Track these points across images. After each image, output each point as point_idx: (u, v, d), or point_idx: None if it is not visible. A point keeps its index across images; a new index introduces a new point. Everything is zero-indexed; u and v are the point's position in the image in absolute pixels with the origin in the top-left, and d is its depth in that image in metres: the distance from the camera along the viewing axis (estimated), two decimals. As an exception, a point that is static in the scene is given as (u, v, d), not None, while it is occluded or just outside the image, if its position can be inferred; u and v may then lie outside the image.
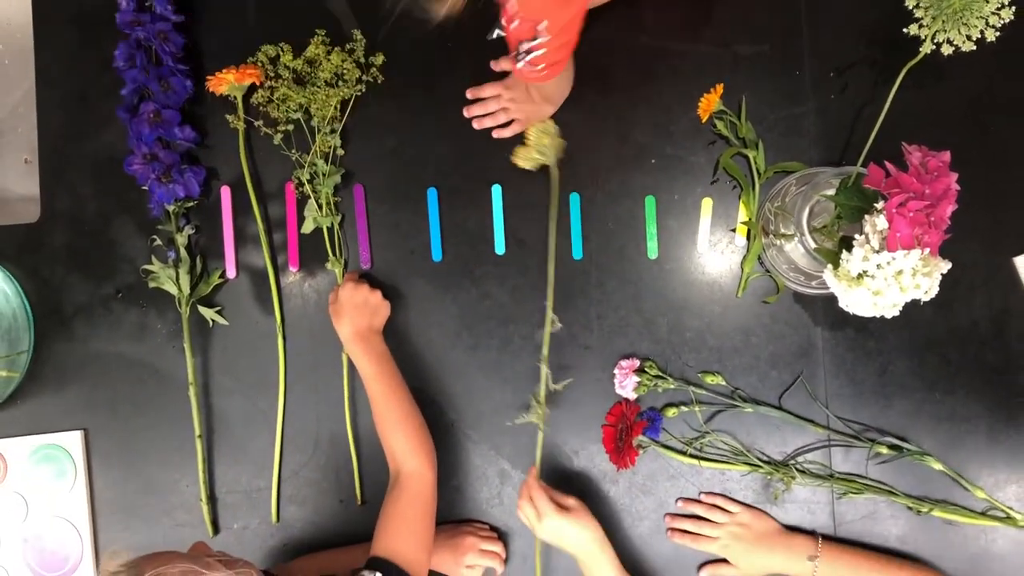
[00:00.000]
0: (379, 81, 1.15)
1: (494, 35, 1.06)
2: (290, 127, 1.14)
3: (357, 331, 1.07)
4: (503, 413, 1.14)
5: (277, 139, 1.13)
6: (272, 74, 1.14)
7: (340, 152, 1.15)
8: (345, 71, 1.13)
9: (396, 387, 1.06)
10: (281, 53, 1.12)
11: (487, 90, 1.14)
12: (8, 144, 1.31)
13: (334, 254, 1.15)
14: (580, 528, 1.01)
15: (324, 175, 1.13)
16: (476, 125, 1.15)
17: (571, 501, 1.03)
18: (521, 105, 1.13)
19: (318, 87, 1.12)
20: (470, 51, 1.16)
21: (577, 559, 1.03)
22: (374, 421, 1.06)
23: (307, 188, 1.14)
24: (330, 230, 1.15)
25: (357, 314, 1.08)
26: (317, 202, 1.14)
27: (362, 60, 1.14)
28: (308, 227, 1.15)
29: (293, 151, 1.14)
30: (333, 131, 1.14)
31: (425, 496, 1.01)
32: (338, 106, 1.13)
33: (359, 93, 1.14)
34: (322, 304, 1.15)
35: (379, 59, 1.14)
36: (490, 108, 1.14)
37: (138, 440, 1.16)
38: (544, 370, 1.04)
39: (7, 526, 1.15)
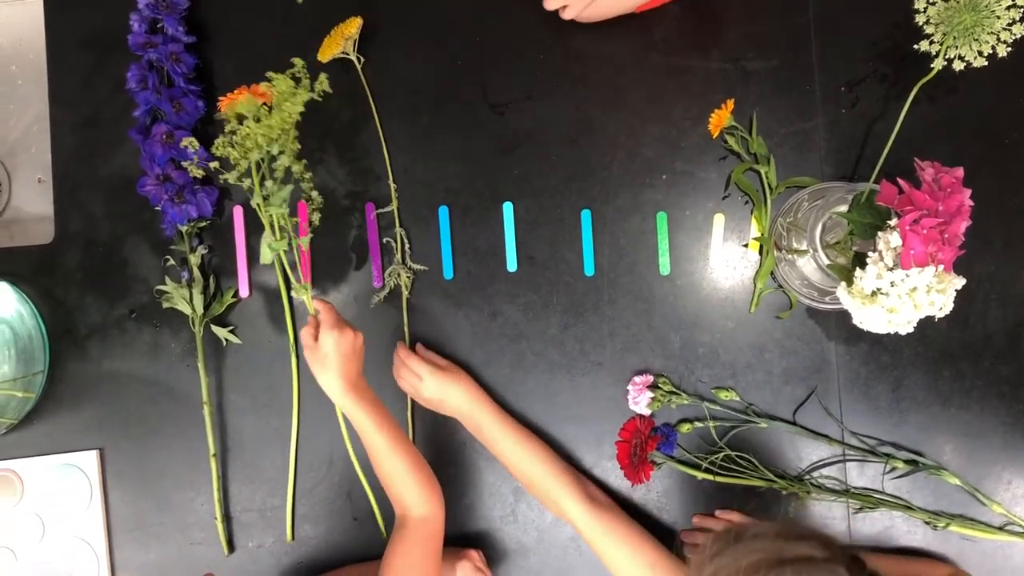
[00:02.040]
0: (320, 98, 1.04)
1: None
2: (243, 166, 1.00)
3: (349, 382, 0.97)
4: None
5: (233, 179, 0.98)
6: (232, 118, 1.02)
7: (298, 170, 1.03)
8: (292, 97, 1.00)
9: (398, 434, 1.00)
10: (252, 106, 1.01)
11: None
12: (22, 164, 1.32)
13: (296, 280, 1.05)
14: (458, 385, 1.09)
15: (272, 194, 1.01)
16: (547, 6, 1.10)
17: (444, 362, 1.12)
18: None
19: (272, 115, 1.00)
20: (480, 69, 1.16)
21: (461, 417, 1.10)
22: (376, 472, 1.01)
23: (261, 213, 1.02)
24: (288, 254, 1.05)
25: (347, 363, 0.97)
26: (271, 227, 1.02)
27: (305, 79, 1.02)
28: (266, 257, 1.04)
29: (246, 180, 1.01)
30: (282, 152, 1.01)
31: (436, 538, 1.00)
32: (287, 128, 1.01)
33: (302, 112, 1.01)
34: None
35: (323, 83, 1.02)
36: None
37: (153, 459, 1.16)
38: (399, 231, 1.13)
39: (24, 546, 1.15)
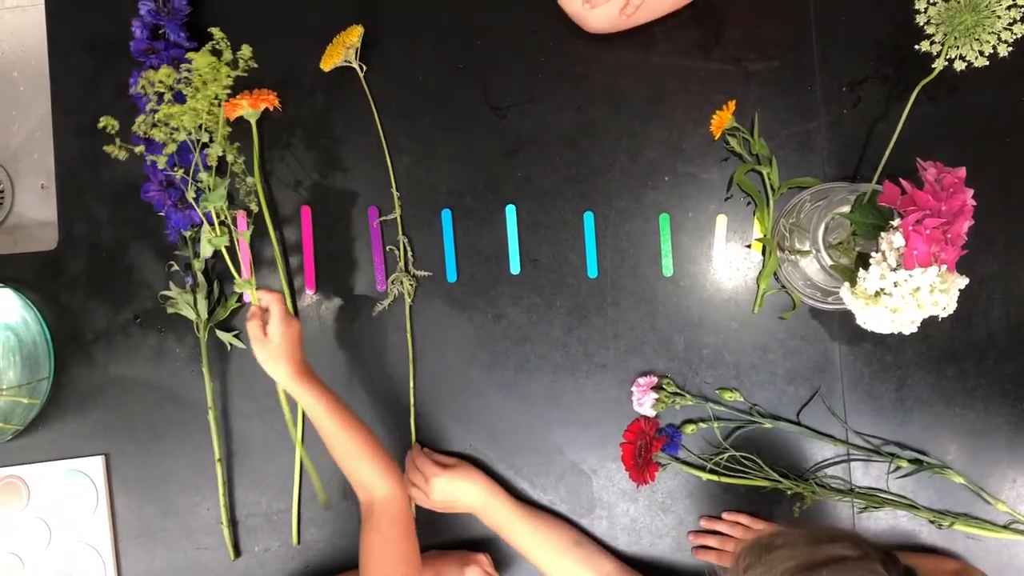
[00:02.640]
0: (247, 70, 1.03)
1: None
2: (172, 148, 1.03)
3: (299, 370, 1.00)
4: (521, 432, 1.14)
5: (162, 162, 1.02)
6: (153, 95, 1.04)
7: (232, 158, 1.05)
8: (215, 74, 1.01)
9: (348, 415, 1.01)
10: (168, 75, 1.02)
11: None
12: (25, 169, 1.33)
13: (238, 274, 1.05)
14: (469, 481, 1.08)
15: (209, 188, 1.02)
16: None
17: (452, 460, 1.11)
18: None
19: (189, 98, 1.01)
20: (481, 72, 1.17)
21: (476, 513, 1.09)
22: (333, 456, 1.02)
23: (196, 206, 1.04)
24: (230, 249, 1.06)
25: (296, 349, 1.00)
26: (208, 221, 1.04)
27: (229, 56, 1.03)
28: (206, 250, 1.06)
29: (177, 169, 1.04)
30: (212, 140, 1.02)
31: (405, 515, 1.00)
32: (216, 111, 1.02)
33: (228, 91, 1.03)
34: (339, 325, 1.16)
35: (247, 52, 1.02)
36: None
37: (158, 464, 1.16)
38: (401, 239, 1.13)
39: (31, 551, 1.16)
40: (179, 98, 1.04)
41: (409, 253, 1.16)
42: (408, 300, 1.15)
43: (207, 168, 1.03)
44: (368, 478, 1.00)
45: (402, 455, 1.14)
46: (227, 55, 1.02)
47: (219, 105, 1.03)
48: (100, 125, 1.01)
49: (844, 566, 0.71)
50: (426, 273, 1.16)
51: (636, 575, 1.08)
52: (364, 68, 1.15)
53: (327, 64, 1.14)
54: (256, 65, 1.03)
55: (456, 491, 1.08)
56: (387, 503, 1.00)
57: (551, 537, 1.08)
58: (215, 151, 1.03)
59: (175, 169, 1.05)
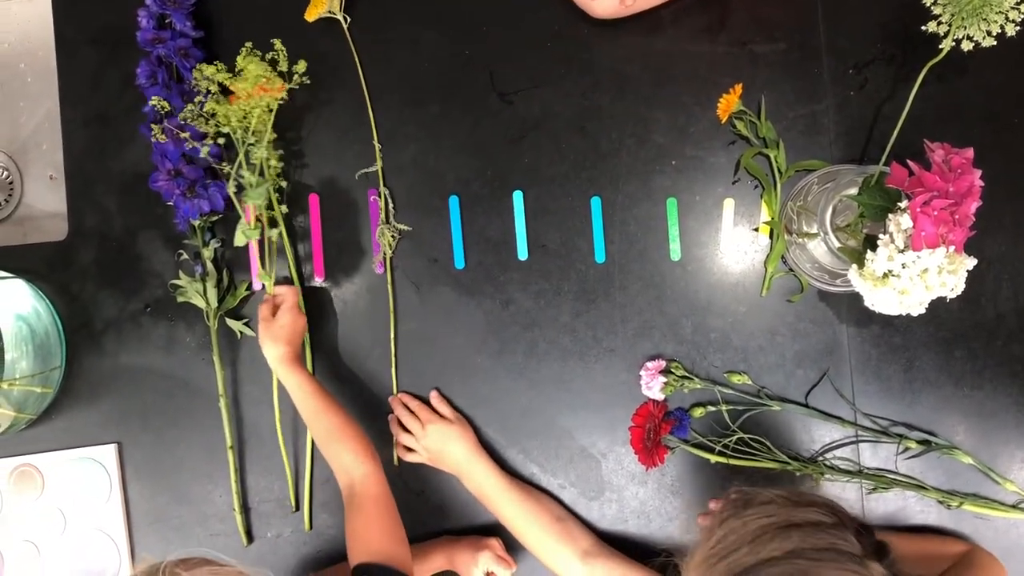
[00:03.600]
0: (301, 85, 1.11)
1: None
2: (220, 140, 1.10)
3: (292, 354, 1.08)
4: (530, 417, 1.15)
5: (204, 152, 1.09)
6: (204, 90, 1.09)
7: (274, 164, 1.12)
8: (266, 81, 1.08)
9: (329, 400, 1.06)
10: (217, 70, 1.08)
11: None
12: (34, 161, 1.33)
13: (263, 267, 1.13)
14: (462, 437, 1.12)
15: (251, 186, 1.09)
16: None
17: (453, 413, 1.15)
18: None
19: (239, 99, 1.08)
20: (488, 58, 1.17)
21: (460, 474, 1.12)
22: (314, 438, 1.10)
23: (235, 201, 1.11)
24: (261, 243, 1.13)
25: (295, 338, 1.09)
26: (243, 211, 1.11)
27: (284, 69, 1.10)
28: (239, 239, 1.11)
29: (224, 164, 1.12)
30: (258, 142, 1.09)
31: (385, 493, 1.01)
32: (265, 117, 1.09)
33: (282, 101, 1.10)
34: (349, 313, 1.17)
35: (301, 67, 1.10)
36: None
37: (171, 452, 1.17)
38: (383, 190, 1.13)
39: (46, 539, 1.17)
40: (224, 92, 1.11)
41: (391, 205, 1.16)
42: (389, 252, 1.16)
43: (250, 166, 1.09)
44: (347, 460, 1.02)
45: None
46: (283, 65, 1.08)
47: (270, 112, 1.09)
48: (152, 103, 1.09)
49: (817, 530, 0.72)
50: (406, 227, 1.16)
51: (613, 551, 1.08)
52: (348, 20, 1.15)
53: (311, 15, 1.14)
54: (308, 81, 1.11)
55: (448, 441, 1.12)
56: (366, 483, 1.01)
57: (534, 510, 1.09)
58: (260, 153, 1.09)
59: (220, 164, 1.12)
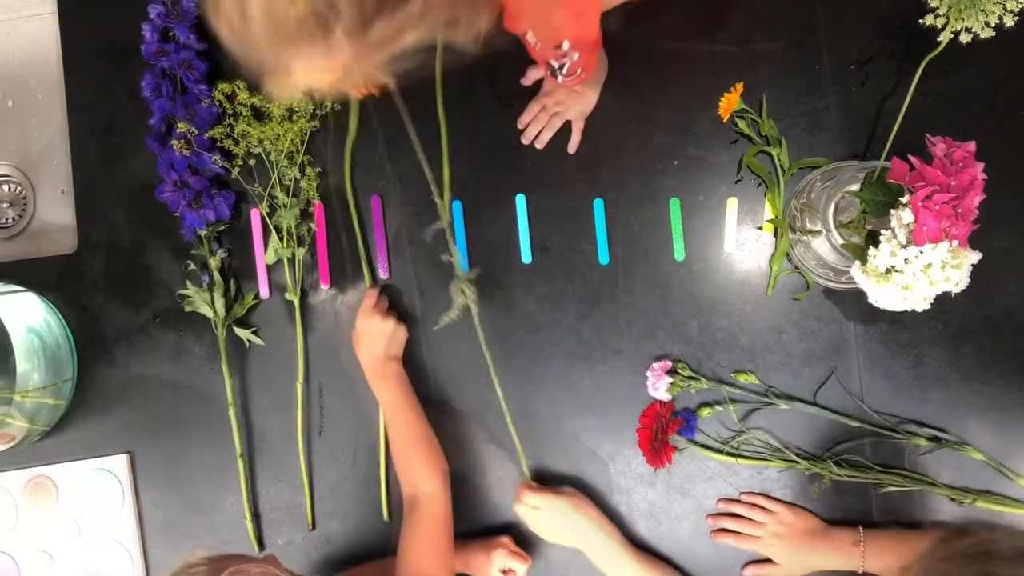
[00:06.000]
0: (331, 114, 1.15)
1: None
2: (252, 161, 1.14)
3: (374, 360, 1.10)
4: (537, 420, 1.15)
5: (235, 173, 1.13)
6: (231, 110, 1.13)
7: (302, 184, 1.15)
8: (298, 105, 1.12)
9: (414, 413, 1.08)
10: (238, 90, 1.12)
11: (532, 109, 1.15)
12: (45, 175, 1.35)
13: (292, 283, 1.16)
14: (583, 510, 1.07)
15: (285, 207, 1.14)
16: (539, 144, 1.15)
17: (568, 489, 1.10)
18: (568, 103, 1.13)
19: (273, 121, 1.13)
20: (489, 62, 1.17)
21: (587, 549, 1.08)
22: (391, 446, 1.11)
23: (268, 220, 1.16)
24: (291, 260, 1.16)
25: (373, 344, 1.11)
26: (278, 233, 1.16)
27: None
28: (270, 257, 1.17)
29: (256, 185, 1.15)
30: (292, 163, 1.14)
31: (446, 517, 1.03)
32: (298, 139, 1.14)
33: (314, 128, 1.15)
34: (354, 320, 1.17)
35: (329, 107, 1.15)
36: (542, 121, 1.14)
37: (182, 461, 1.18)
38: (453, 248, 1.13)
39: (61, 549, 1.18)
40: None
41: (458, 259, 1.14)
42: (475, 308, 1.13)
43: (283, 187, 1.14)
44: (417, 473, 1.05)
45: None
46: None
47: (305, 135, 1.14)
48: (179, 128, 1.11)
49: None
50: (474, 276, 1.16)
51: None
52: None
53: None
54: (340, 107, 1.14)
55: (571, 521, 1.08)
56: (431, 502, 1.03)
57: None
58: (293, 174, 1.13)
59: (254, 186, 1.15)
